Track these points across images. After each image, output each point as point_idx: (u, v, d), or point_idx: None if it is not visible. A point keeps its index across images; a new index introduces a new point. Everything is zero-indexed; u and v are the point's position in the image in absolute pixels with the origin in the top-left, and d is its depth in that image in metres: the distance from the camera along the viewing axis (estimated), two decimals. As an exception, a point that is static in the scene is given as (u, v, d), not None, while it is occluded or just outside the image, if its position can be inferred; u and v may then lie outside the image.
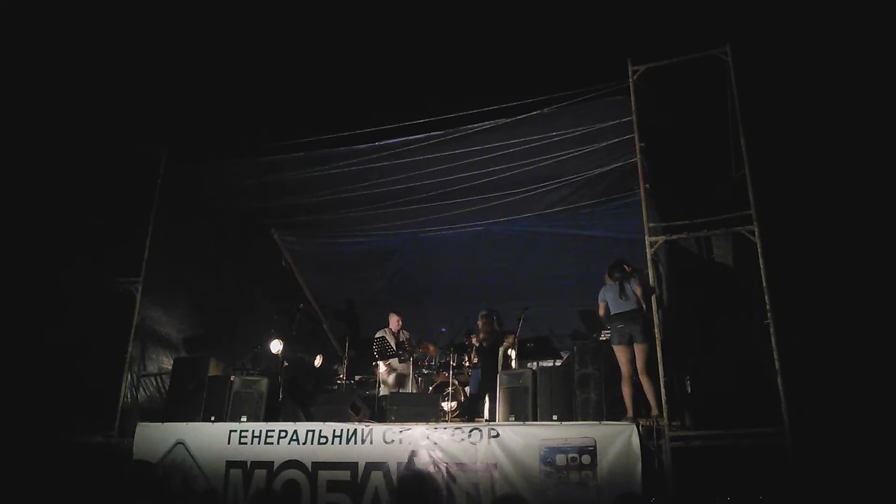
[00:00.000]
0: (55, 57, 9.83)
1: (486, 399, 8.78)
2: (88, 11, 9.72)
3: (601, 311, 7.70)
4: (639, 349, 7.24)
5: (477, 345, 9.47)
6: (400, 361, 9.70)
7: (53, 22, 9.67)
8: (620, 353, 7.35)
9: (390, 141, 8.62)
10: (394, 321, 10.12)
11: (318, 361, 10.32)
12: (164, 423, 8.31)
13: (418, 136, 8.50)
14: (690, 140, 7.70)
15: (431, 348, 10.20)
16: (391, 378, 9.86)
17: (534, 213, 9.86)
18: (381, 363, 9.71)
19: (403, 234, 11.00)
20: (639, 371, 7.26)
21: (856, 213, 8.01)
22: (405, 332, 10.16)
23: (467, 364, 9.65)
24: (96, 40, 9.86)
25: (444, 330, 10.59)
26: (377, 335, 9.99)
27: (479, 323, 9.61)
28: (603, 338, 8.20)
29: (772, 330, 6.71)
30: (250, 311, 11.02)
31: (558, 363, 9.23)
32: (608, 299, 7.61)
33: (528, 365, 9.17)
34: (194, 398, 8.62)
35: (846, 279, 7.85)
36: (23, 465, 7.98)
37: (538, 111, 7.96)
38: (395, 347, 9.76)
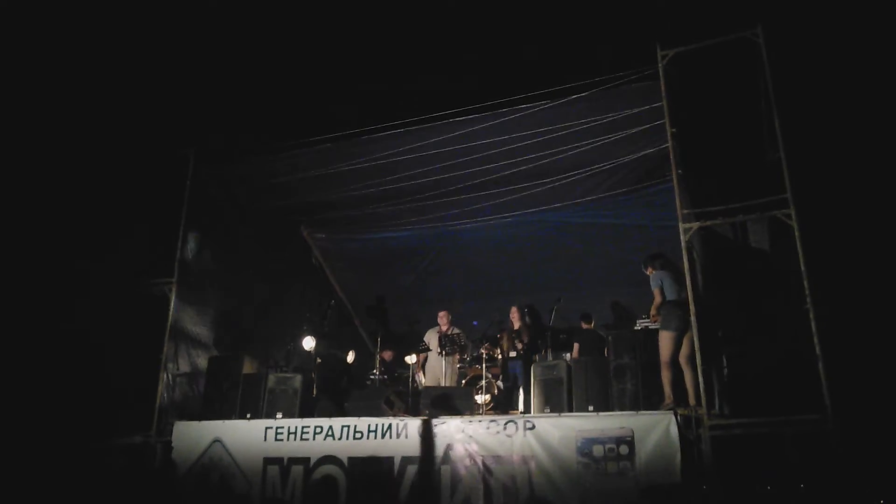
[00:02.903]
0: (83, 65, 9.96)
1: (521, 391, 8.73)
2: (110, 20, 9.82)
3: (657, 298, 7.51)
4: (688, 338, 7.15)
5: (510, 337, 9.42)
6: (446, 355, 9.63)
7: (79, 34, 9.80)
8: (671, 340, 7.23)
9: (415, 128, 8.59)
10: (443, 318, 10.07)
11: (350, 357, 10.34)
12: (202, 422, 8.41)
13: (444, 122, 8.45)
14: (723, 124, 7.57)
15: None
16: (428, 371, 9.87)
17: (564, 202, 9.76)
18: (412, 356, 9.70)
19: (433, 227, 10.94)
20: (682, 359, 7.18)
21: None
22: (455, 328, 10.10)
23: (503, 356, 9.55)
24: (126, 50, 9.97)
25: (475, 324, 10.55)
26: (425, 336, 10.02)
27: (515, 317, 9.58)
28: (638, 327, 8.11)
29: (812, 315, 6.58)
30: (282, 309, 11.07)
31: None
32: (665, 286, 7.48)
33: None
34: (230, 396, 8.69)
35: (887, 261, 7.67)
36: (64, 468, 8.12)
37: (566, 98, 7.88)
38: (438, 344, 9.70)
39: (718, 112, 7.57)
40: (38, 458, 8.27)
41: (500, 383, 9.25)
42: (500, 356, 9.31)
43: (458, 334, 9.83)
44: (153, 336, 9.00)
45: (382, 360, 9.96)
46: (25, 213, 9.40)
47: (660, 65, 7.66)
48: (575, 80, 7.88)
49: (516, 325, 9.52)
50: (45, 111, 9.76)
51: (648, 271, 7.72)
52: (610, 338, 7.82)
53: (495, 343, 9.43)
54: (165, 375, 8.91)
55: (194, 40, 10.28)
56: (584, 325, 9.48)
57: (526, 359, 9.05)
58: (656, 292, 7.49)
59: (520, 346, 9.21)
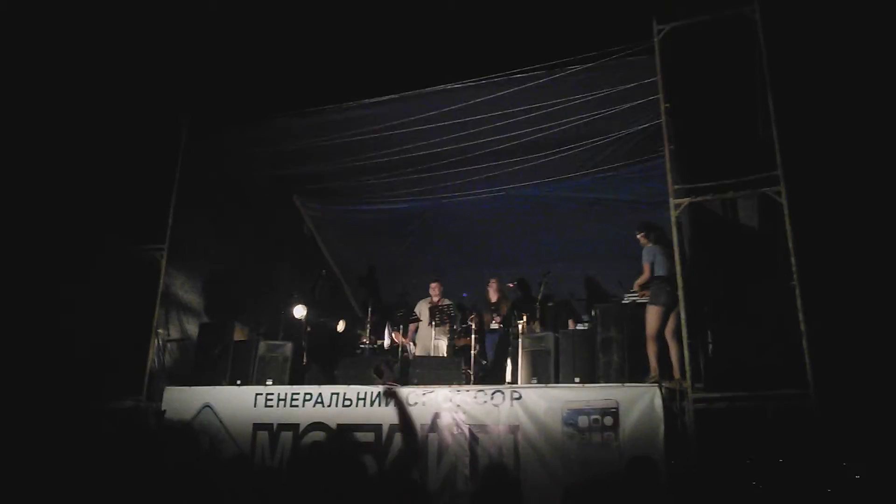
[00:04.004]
0: (73, 31, 9.82)
1: (508, 362, 8.82)
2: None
3: (646, 273, 7.55)
4: (674, 313, 7.22)
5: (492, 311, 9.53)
6: (435, 326, 9.69)
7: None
8: (658, 314, 7.28)
9: (410, 95, 8.57)
10: (434, 290, 10.12)
11: (340, 326, 10.40)
12: (192, 387, 8.46)
13: (438, 90, 8.42)
14: (716, 100, 7.56)
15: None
16: (418, 342, 9.96)
17: (556, 177, 9.78)
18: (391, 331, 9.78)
19: (425, 199, 10.96)
20: (667, 334, 7.26)
21: (884, 173, 7.87)
22: (446, 299, 10.16)
23: (489, 327, 9.65)
24: (114, 13, 9.81)
25: (465, 295, 10.61)
26: (416, 307, 10.10)
27: (493, 288, 9.65)
28: (626, 301, 8.18)
29: (798, 292, 6.66)
30: (273, 277, 11.11)
31: (580, 327, 9.21)
32: (657, 262, 7.52)
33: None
34: (220, 363, 8.76)
35: (874, 240, 7.75)
36: (56, 433, 8.16)
37: (562, 72, 7.86)
38: (429, 315, 9.77)
39: (712, 88, 7.55)
40: (29, 423, 8.31)
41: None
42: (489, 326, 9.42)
43: (448, 305, 9.89)
44: (144, 302, 9.03)
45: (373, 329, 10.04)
46: (14, 176, 9.32)
47: (655, 40, 7.64)
48: (570, 53, 7.85)
49: (494, 298, 9.60)
50: (32, 76, 9.64)
51: (642, 240, 7.75)
52: (597, 311, 7.89)
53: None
54: (156, 341, 8.96)
55: (186, 4, 10.14)
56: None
57: (503, 331, 9.13)
58: (646, 267, 7.54)
59: (498, 318, 9.30)
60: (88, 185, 9.48)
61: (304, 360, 9.06)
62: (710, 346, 7.35)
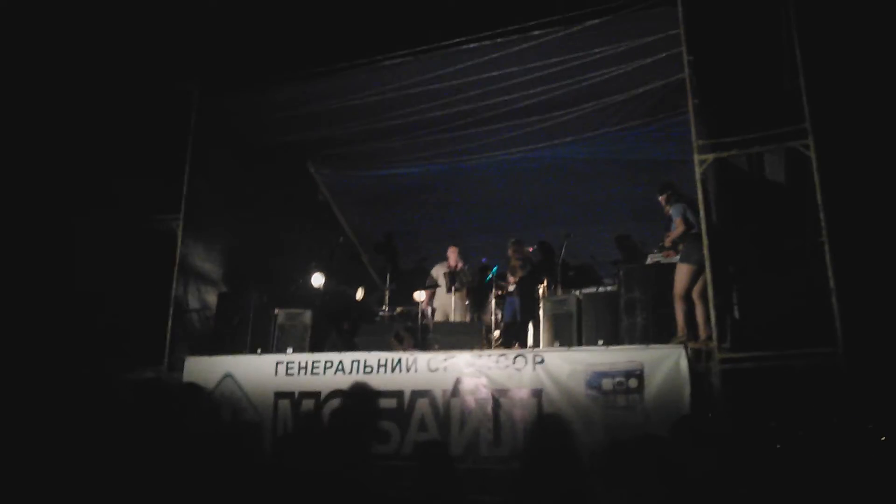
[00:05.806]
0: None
1: (530, 326, 8.73)
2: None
3: (680, 227, 7.35)
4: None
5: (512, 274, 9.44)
6: (455, 291, 9.59)
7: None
8: (689, 273, 7.12)
9: (424, 55, 8.36)
10: (452, 254, 10.01)
11: (359, 294, 10.34)
12: (212, 357, 8.42)
13: (454, 49, 8.21)
14: (740, 52, 7.30)
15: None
16: (437, 307, 9.88)
17: (576, 136, 9.56)
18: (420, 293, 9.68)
19: (441, 163, 10.79)
20: (695, 294, 7.10)
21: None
22: (463, 263, 10.06)
23: (503, 292, 9.56)
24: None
25: (484, 260, 10.49)
26: (433, 271, 10.00)
27: (510, 251, 9.53)
28: (649, 261, 8.02)
29: (827, 248, 6.47)
30: (290, 245, 11.03)
31: (601, 290, 9.07)
32: (690, 217, 7.33)
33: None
34: (240, 332, 8.74)
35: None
36: (79, 404, 8.17)
37: (580, 25, 7.61)
38: (449, 280, 9.67)
39: (736, 39, 7.28)
40: (49, 395, 8.33)
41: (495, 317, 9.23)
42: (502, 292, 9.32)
43: (465, 270, 9.80)
44: (162, 272, 8.99)
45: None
46: (28, 147, 9.25)
47: (677, -11, 7.36)
48: (588, 6, 7.59)
49: (513, 262, 9.48)
50: (42, 44, 9.50)
51: (663, 201, 7.57)
52: (621, 272, 7.74)
53: (503, 279, 9.45)
54: (175, 311, 8.93)
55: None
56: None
57: (521, 293, 9.01)
58: (679, 222, 7.32)
59: (512, 279, 9.21)
60: (102, 157, 9.39)
61: (324, 327, 9.00)
62: (737, 306, 7.19)
